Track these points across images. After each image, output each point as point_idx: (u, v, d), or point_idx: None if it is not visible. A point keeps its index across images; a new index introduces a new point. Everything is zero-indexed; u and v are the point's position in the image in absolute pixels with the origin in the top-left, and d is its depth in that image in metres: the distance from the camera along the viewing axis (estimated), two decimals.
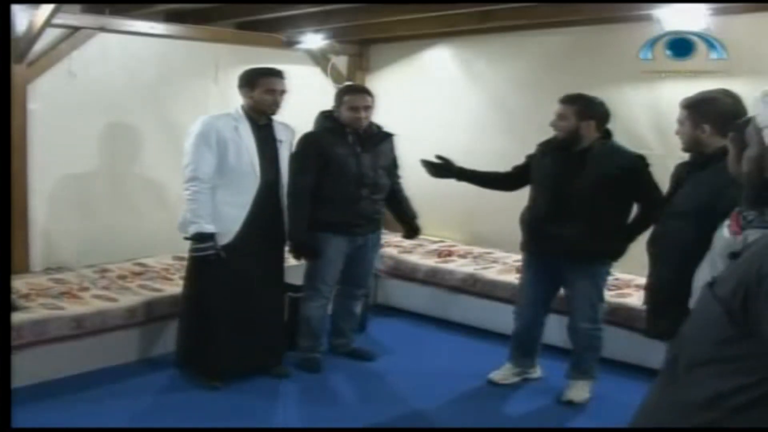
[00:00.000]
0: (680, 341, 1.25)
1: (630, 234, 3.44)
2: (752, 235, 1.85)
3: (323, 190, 3.77)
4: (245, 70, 3.65)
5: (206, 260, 3.49)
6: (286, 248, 3.84)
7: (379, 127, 3.97)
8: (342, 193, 3.80)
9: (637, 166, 3.43)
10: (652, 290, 2.78)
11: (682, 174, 2.74)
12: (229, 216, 3.53)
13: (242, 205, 3.55)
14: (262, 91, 3.55)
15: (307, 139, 3.82)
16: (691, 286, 2.17)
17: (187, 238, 3.54)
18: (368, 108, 3.84)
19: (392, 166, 4.05)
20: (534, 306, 3.76)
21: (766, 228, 1.81)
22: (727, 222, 2.00)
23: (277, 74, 3.60)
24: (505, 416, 3.60)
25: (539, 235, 3.58)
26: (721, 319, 1.11)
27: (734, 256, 1.30)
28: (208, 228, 3.47)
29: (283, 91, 3.60)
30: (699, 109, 2.66)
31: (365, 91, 3.95)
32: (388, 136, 4.00)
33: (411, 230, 4.17)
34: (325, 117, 3.91)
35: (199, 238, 3.47)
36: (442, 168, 3.75)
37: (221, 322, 3.61)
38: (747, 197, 1.74)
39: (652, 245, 2.79)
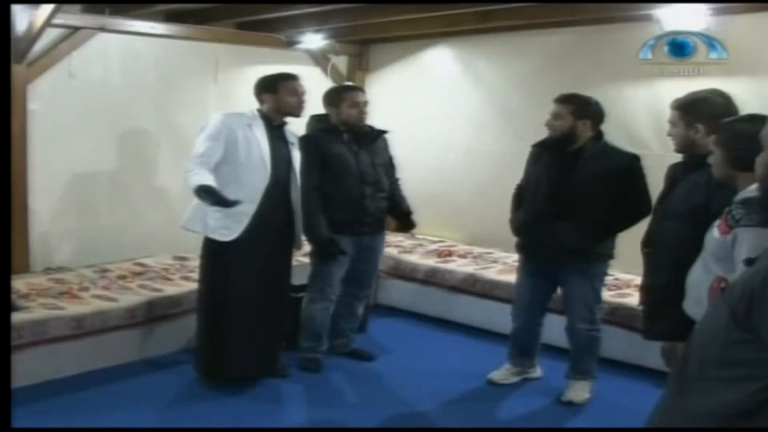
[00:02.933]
0: (691, 343, 1.25)
1: (611, 229, 3.47)
2: (741, 233, 1.85)
3: (327, 191, 3.79)
4: (263, 76, 3.65)
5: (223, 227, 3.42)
6: (301, 251, 3.85)
7: (371, 126, 4.00)
8: (346, 192, 3.82)
9: (631, 165, 3.44)
10: (647, 291, 2.78)
11: (676, 175, 2.73)
12: (237, 210, 3.44)
13: (251, 200, 3.49)
14: (285, 93, 3.59)
15: (305, 141, 3.82)
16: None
17: (196, 194, 3.30)
18: (367, 104, 3.93)
19: (389, 165, 4.06)
20: (530, 307, 3.75)
21: (753, 227, 1.81)
22: (717, 222, 1.99)
23: (296, 78, 3.65)
24: (505, 416, 3.60)
25: (534, 236, 3.58)
26: (729, 322, 1.12)
27: (750, 262, 1.30)
28: (209, 179, 3.29)
29: (304, 92, 3.65)
30: (692, 109, 2.65)
31: (361, 89, 4.16)
32: (381, 134, 4.03)
33: (406, 224, 4.14)
34: (318, 120, 3.96)
35: (204, 190, 3.26)
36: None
37: (228, 323, 3.59)
38: (762, 202, 1.72)
39: (647, 246, 2.78)
